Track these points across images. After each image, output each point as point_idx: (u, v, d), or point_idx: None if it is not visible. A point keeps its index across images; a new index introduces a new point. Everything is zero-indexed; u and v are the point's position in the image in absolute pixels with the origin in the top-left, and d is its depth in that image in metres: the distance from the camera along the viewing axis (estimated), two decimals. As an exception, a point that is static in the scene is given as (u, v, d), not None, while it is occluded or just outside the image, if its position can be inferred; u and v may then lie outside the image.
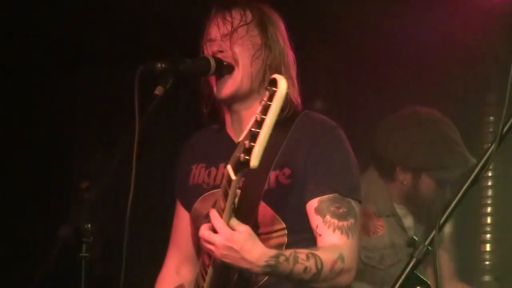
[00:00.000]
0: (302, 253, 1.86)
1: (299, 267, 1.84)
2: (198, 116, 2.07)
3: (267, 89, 1.68)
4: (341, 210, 1.98)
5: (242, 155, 1.63)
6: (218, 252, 1.74)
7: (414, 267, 1.37)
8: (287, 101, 1.90)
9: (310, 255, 1.87)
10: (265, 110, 1.65)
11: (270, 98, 1.66)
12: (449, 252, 3.12)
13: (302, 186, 1.98)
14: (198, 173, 2.12)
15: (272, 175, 1.90)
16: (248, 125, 1.68)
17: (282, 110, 1.89)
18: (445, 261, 3.10)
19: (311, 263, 1.86)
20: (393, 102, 2.91)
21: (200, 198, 2.09)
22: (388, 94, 2.91)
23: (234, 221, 1.75)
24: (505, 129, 1.39)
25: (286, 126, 1.94)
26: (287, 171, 1.90)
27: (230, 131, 2.08)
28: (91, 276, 1.54)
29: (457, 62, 3.24)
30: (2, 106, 3.30)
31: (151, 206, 2.49)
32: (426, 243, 1.38)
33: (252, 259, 1.79)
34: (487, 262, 3.57)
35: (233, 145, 1.98)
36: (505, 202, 3.37)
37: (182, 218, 2.18)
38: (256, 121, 1.65)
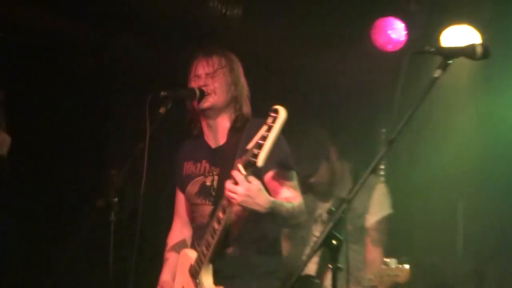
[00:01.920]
0: (283, 200, 2.54)
1: (284, 209, 2.49)
2: (186, 128, 2.65)
3: (270, 115, 2.22)
4: (289, 176, 2.65)
5: (251, 158, 2.18)
6: (239, 198, 2.25)
7: (332, 228, 1.93)
8: (243, 117, 2.62)
9: (287, 201, 2.55)
10: (269, 128, 2.18)
11: (273, 121, 2.19)
12: None
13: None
14: (189, 167, 2.72)
15: (236, 162, 2.37)
16: (255, 138, 2.22)
17: (237, 121, 2.59)
18: None
19: (289, 206, 2.50)
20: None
21: (191, 182, 2.68)
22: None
23: (251, 177, 2.25)
24: (392, 138, 1.97)
25: (241, 130, 2.57)
26: None
27: (207, 138, 2.70)
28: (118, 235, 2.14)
29: (361, 92, 4.03)
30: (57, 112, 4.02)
31: (160, 187, 3.04)
32: (340, 212, 1.96)
33: (262, 203, 2.35)
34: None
35: (209, 148, 2.75)
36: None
37: (180, 198, 2.78)
38: (262, 136, 2.18)
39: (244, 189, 2.28)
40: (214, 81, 2.57)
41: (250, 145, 2.26)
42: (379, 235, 3.67)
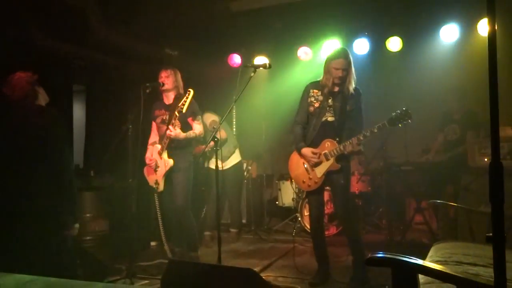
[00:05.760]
0: (191, 131, 4.67)
1: (191, 136, 4.75)
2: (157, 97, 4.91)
3: (187, 91, 4.41)
4: (198, 118, 4.79)
5: (180, 109, 4.41)
6: (172, 136, 4.52)
7: (215, 133, 4.42)
8: (179, 94, 4.75)
9: (193, 132, 4.69)
10: (186, 97, 4.44)
11: (188, 94, 4.44)
12: None
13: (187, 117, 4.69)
14: (158, 111, 4.86)
15: (175, 110, 4.57)
16: (182, 101, 4.41)
17: (177, 95, 4.76)
18: None
19: (193, 134, 4.75)
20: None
21: (158, 117, 4.84)
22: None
23: (176, 128, 4.54)
24: (235, 99, 4.41)
25: (177, 99, 4.71)
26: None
27: (165, 100, 4.87)
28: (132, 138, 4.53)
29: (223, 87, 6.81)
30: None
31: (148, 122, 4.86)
32: (216, 127, 4.47)
33: (180, 137, 4.56)
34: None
35: (165, 104, 4.87)
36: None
37: (154, 124, 4.90)
38: (184, 100, 4.42)
39: (174, 133, 4.53)
40: (168, 79, 4.80)
41: (180, 103, 4.51)
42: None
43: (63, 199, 3.69)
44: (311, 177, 4.36)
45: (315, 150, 4.31)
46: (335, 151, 4.24)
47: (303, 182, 4.42)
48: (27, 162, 3.63)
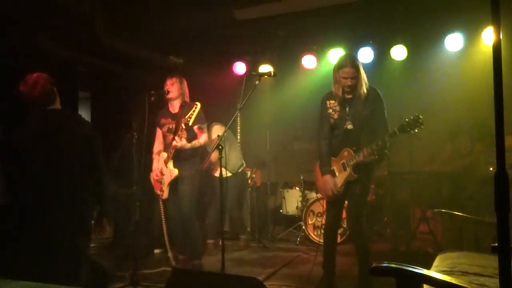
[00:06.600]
0: (195, 141, 4.66)
1: (195, 145, 4.66)
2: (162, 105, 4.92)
3: (195, 104, 4.38)
4: (203, 128, 4.78)
5: (187, 122, 4.37)
6: (178, 147, 4.50)
7: (220, 141, 4.41)
8: (185, 102, 4.79)
9: (197, 141, 4.67)
10: (194, 110, 4.40)
11: (195, 107, 4.40)
12: None
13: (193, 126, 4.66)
14: (164, 120, 4.85)
15: (181, 121, 4.55)
16: (189, 113, 4.35)
17: (182, 103, 4.81)
18: None
19: (197, 144, 4.72)
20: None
21: (164, 125, 4.82)
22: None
23: (183, 139, 4.50)
24: (240, 107, 4.39)
25: (183, 107, 4.74)
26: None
27: (170, 109, 4.87)
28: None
29: (228, 94, 6.80)
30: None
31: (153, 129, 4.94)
32: (222, 135, 4.47)
33: (187, 148, 4.54)
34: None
35: (171, 113, 4.86)
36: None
37: (159, 131, 4.89)
38: (192, 112, 4.36)
39: (180, 144, 4.51)
40: (173, 87, 4.80)
41: (187, 115, 4.48)
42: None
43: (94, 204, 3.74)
44: (333, 187, 4.32)
45: (338, 185, 4.28)
46: (350, 161, 4.21)
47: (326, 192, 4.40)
48: (61, 169, 3.53)
